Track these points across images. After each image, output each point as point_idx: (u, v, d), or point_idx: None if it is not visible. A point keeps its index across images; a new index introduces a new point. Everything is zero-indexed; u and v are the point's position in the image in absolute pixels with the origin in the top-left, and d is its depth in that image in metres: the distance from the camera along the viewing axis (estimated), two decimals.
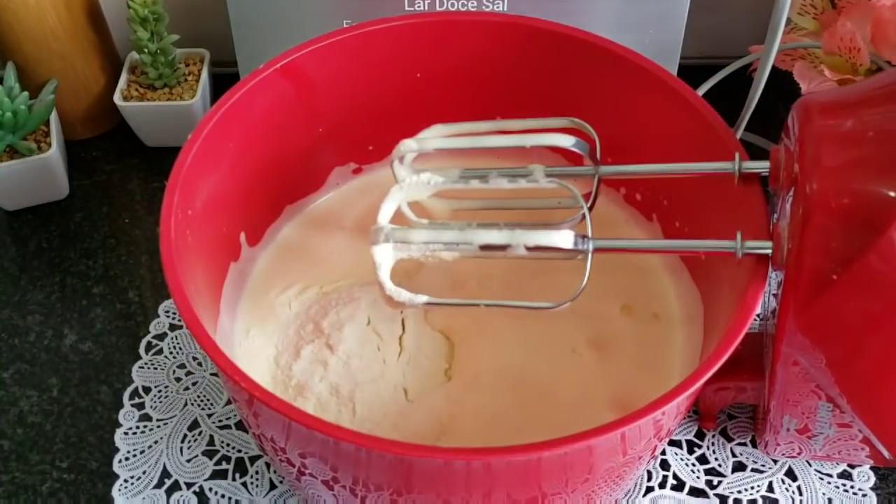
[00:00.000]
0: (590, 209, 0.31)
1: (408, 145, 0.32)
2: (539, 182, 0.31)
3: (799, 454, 0.34)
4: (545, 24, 0.36)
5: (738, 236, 0.28)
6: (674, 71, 0.45)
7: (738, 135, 0.37)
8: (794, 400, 0.30)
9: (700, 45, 0.49)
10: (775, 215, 0.29)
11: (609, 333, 0.34)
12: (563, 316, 0.34)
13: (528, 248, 0.28)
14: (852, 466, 0.36)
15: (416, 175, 0.32)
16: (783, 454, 0.34)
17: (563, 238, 0.28)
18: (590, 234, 0.29)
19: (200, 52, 0.49)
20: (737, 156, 0.30)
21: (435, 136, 0.33)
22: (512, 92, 0.37)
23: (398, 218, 0.32)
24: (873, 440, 0.31)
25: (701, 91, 0.44)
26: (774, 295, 0.29)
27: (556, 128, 0.31)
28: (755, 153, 0.30)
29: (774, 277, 0.28)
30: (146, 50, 0.46)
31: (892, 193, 0.24)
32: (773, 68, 0.35)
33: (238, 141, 0.34)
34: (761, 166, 0.30)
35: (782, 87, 0.42)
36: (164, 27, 0.45)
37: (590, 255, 0.28)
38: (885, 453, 0.32)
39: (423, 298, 0.29)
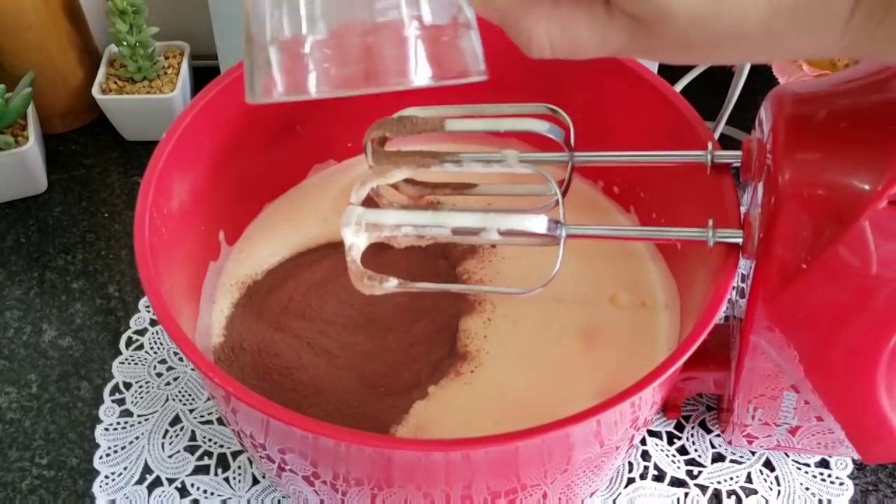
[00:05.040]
0: (563, 195, 0.31)
1: None
2: (513, 167, 0.31)
3: (767, 446, 0.34)
4: None
5: (710, 225, 0.28)
6: (654, 64, 0.45)
7: (720, 128, 0.37)
8: (759, 391, 0.30)
9: None
10: (745, 205, 0.29)
11: (598, 323, 0.34)
12: (551, 306, 0.34)
13: (501, 233, 0.28)
14: (830, 455, 0.36)
15: (390, 158, 0.32)
16: (747, 444, 0.35)
17: (537, 223, 0.28)
18: (563, 220, 0.29)
19: (180, 45, 0.48)
20: (709, 145, 0.30)
21: None
22: (489, 86, 0.37)
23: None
24: (842, 437, 0.31)
25: (681, 84, 0.44)
26: (744, 285, 0.29)
27: (531, 113, 0.32)
28: (736, 147, 0.31)
29: (746, 268, 0.29)
30: (125, 42, 0.45)
31: (862, 185, 0.25)
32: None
33: (215, 139, 0.34)
34: (733, 156, 0.30)
35: (762, 81, 0.42)
36: (143, 20, 0.45)
37: (562, 241, 0.28)
38: (855, 455, 0.32)
39: (393, 283, 0.29)
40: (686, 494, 0.35)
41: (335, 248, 0.37)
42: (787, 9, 0.19)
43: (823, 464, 0.36)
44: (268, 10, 0.22)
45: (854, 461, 0.36)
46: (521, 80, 0.37)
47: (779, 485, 0.36)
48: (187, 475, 0.36)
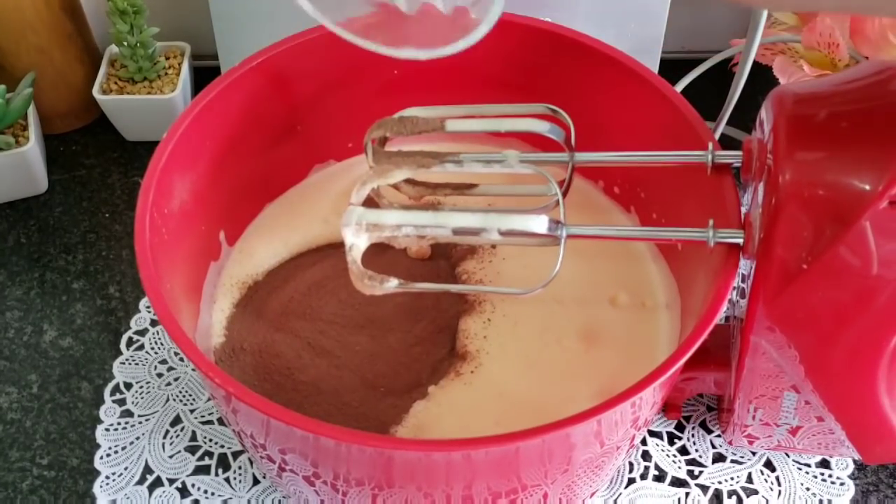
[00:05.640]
0: (564, 195, 0.31)
1: None
2: (514, 168, 0.31)
3: (768, 446, 0.34)
4: (520, 19, 0.36)
5: (710, 224, 0.28)
6: (655, 64, 0.45)
7: (721, 129, 0.37)
8: (760, 391, 0.31)
9: (681, 39, 0.49)
10: (746, 206, 0.29)
11: (598, 324, 0.34)
12: (551, 306, 0.34)
13: (502, 233, 0.28)
14: (830, 456, 0.36)
15: (391, 158, 0.32)
16: (747, 445, 0.35)
17: (537, 223, 0.28)
18: (563, 220, 0.29)
19: (181, 46, 0.49)
20: (710, 145, 0.30)
21: None
22: (489, 87, 0.37)
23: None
24: (843, 437, 0.31)
25: (682, 84, 0.44)
26: (744, 286, 0.29)
27: (531, 114, 0.32)
28: (736, 147, 0.31)
29: (746, 268, 0.29)
30: (125, 43, 0.45)
31: (863, 185, 0.25)
32: (754, 63, 0.35)
33: (215, 139, 0.34)
34: (734, 156, 0.30)
35: (763, 81, 0.42)
36: (143, 20, 0.45)
37: (563, 241, 0.28)
38: (856, 455, 0.32)
39: (393, 283, 0.29)
40: (687, 494, 0.35)
41: (336, 249, 0.37)
42: None
43: (824, 464, 0.36)
44: None
45: (855, 461, 0.36)
46: (521, 81, 0.37)
47: (779, 485, 0.36)
48: (188, 475, 0.36)
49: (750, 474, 0.36)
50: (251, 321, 0.35)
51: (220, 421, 0.37)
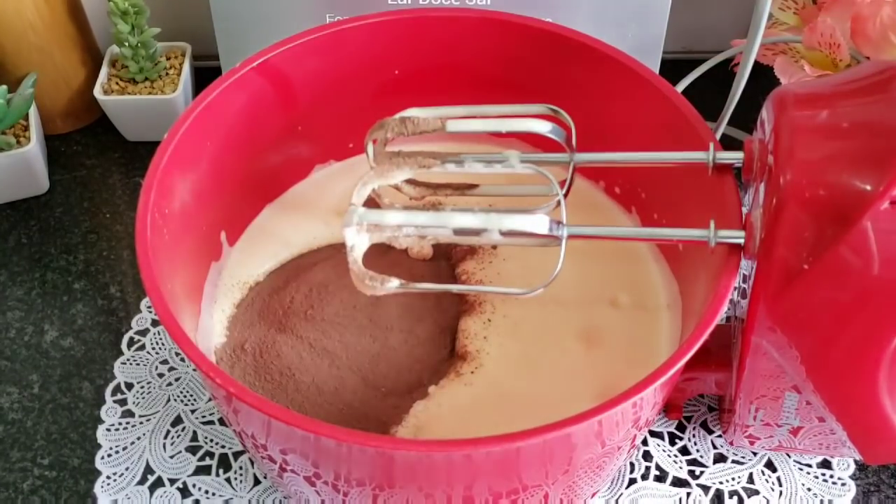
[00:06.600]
0: (565, 196, 0.31)
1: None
2: (515, 168, 0.31)
3: (769, 447, 0.34)
4: (520, 20, 0.36)
5: (712, 225, 0.28)
6: (656, 65, 0.45)
7: (722, 129, 0.37)
8: (761, 392, 0.31)
9: (682, 40, 0.49)
10: (747, 206, 0.29)
11: (599, 324, 0.34)
12: (551, 307, 0.34)
13: (503, 233, 0.28)
14: (832, 456, 0.36)
15: (391, 158, 0.32)
16: (748, 445, 0.35)
17: (538, 223, 0.28)
18: (564, 220, 0.29)
19: (182, 46, 0.49)
20: (711, 146, 0.30)
21: None
22: (490, 87, 0.37)
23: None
24: (844, 437, 0.31)
25: (683, 85, 0.44)
26: (745, 286, 0.29)
27: (532, 114, 0.32)
28: (737, 147, 0.31)
29: (747, 268, 0.29)
30: (127, 43, 0.45)
31: (864, 185, 0.25)
32: (755, 63, 0.35)
33: (216, 140, 0.34)
34: (735, 157, 0.30)
35: (764, 81, 0.42)
36: (144, 20, 0.45)
37: (563, 242, 0.28)
38: (857, 455, 0.32)
39: (394, 283, 0.29)
40: (688, 495, 0.35)
41: (337, 249, 0.37)
42: None
43: (825, 464, 0.36)
44: None
45: (856, 462, 0.36)
46: (521, 81, 0.37)
47: (780, 485, 0.36)
48: (189, 475, 0.36)
49: (751, 474, 0.36)
50: (252, 321, 0.35)
51: (221, 421, 0.37)
